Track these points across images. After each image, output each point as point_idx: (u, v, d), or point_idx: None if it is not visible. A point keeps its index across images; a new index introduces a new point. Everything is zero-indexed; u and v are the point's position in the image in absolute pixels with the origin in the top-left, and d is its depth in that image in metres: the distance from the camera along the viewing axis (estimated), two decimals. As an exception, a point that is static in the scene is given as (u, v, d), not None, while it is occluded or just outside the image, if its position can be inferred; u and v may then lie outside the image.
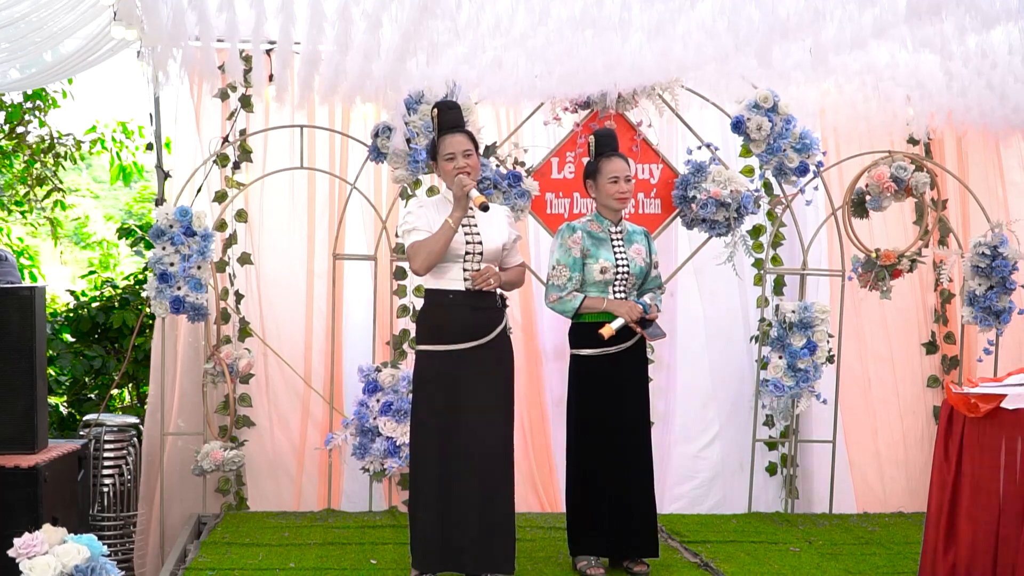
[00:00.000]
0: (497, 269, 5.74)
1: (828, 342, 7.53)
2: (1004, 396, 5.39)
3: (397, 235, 5.70)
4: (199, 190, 7.72)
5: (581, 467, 6.15)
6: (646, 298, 6.03)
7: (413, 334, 6.85)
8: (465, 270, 5.65)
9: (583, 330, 6.09)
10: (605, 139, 6.29)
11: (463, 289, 5.65)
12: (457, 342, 5.63)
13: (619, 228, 6.19)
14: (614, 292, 6.11)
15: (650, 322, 6.07)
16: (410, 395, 6.56)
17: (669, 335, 8.05)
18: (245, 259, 7.88)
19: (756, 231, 8.01)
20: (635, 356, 6.12)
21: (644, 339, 6.12)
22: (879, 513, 8.03)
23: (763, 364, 7.76)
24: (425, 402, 5.67)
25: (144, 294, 7.74)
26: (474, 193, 5.61)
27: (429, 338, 5.67)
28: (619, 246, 6.15)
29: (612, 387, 6.07)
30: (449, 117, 5.75)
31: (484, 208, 5.69)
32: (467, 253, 5.63)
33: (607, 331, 5.96)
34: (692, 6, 5.57)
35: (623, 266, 6.11)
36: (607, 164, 6.14)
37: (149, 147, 8.43)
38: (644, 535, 6.17)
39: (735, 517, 7.81)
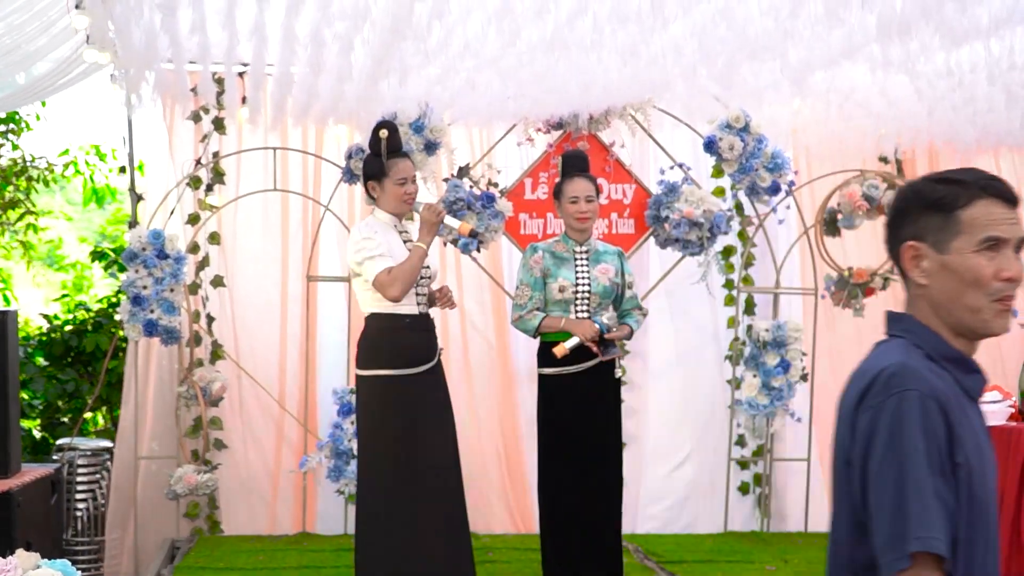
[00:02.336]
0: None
1: (802, 360, 7.55)
2: (977, 414, 5.41)
3: (355, 261, 5.59)
4: (172, 213, 7.71)
5: (549, 486, 6.14)
6: (603, 317, 6.01)
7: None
8: (418, 294, 5.63)
9: (545, 349, 6.10)
10: (571, 160, 6.31)
11: (416, 313, 5.63)
12: (415, 365, 5.61)
13: (585, 248, 6.19)
14: (576, 311, 6.10)
15: (609, 341, 6.03)
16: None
17: (641, 356, 8.09)
18: (218, 281, 7.86)
19: (727, 251, 8.04)
20: (601, 375, 6.09)
21: (614, 358, 6.09)
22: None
23: (737, 383, 7.77)
24: (392, 427, 5.60)
25: (117, 317, 7.72)
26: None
27: (388, 363, 5.61)
28: (582, 266, 6.15)
29: (577, 406, 6.05)
30: (397, 139, 5.73)
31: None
32: (422, 278, 5.61)
33: (560, 350, 5.97)
34: (664, 27, 5.58)
35: (583, 286, 6.11)
36: (569, 185, 6.16)
37: (122, 170, 8.41)
38: (607, 554, 6.14)
39: (711, 537, 7.82)
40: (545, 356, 6.10)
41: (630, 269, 6.33)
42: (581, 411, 6.05)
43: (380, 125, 5.72)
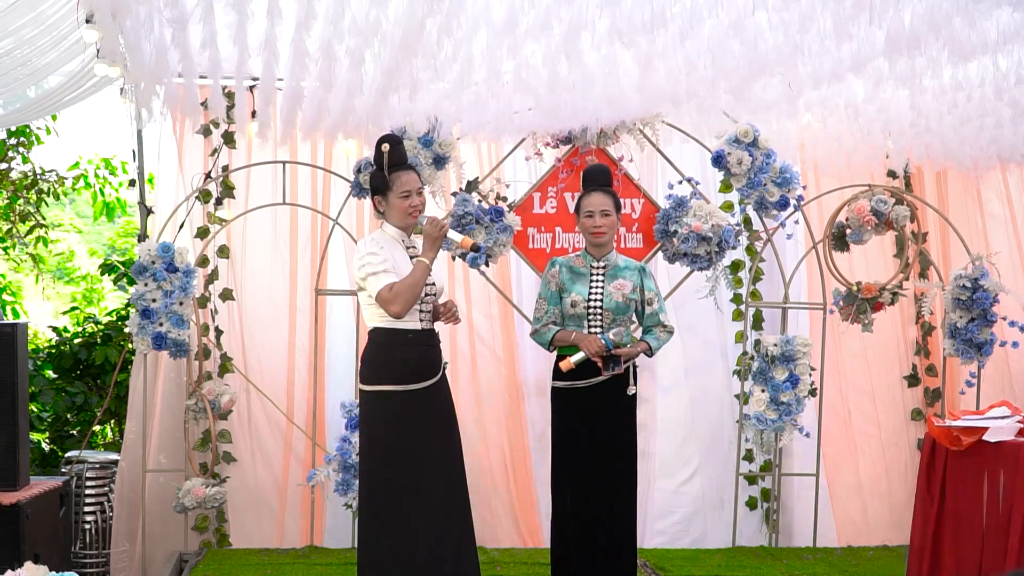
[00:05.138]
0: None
1: (810, 375, 7.54)
2: (986, 429, 5.42)
3: (358, 276, 5.59)
4: (181, 226, 7.72)
5: (558, 499, 6.14)
6: (610, 334, 6.00)
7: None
8: (421, 310, 5.61)
9: (556, 362, 6.12)
10: (590, 174, 6.32)
11: (419, 328, 5.62)
12: (417, 380, 5.58)
13: (602, 263, 6.19)
14: (588, 326, 6.10)
15: (615, 358, 6.01)
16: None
17: (649, 370, 8.09)
18: (227, 295, 7.88)
19: (736, 266, 8.05)
20: (613, 391, 6.07)
21: (627, 373, 6.07)
22: (864, 546, 8.01)
23: (745, 398, 7.77)
24: (393, 442, 5.56)
25: (127, 330, 7.73)
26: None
27: (390, 378, 5.56)
28: (597, 281, 6.15)
29: (586, 420, 6.04)
30: (400, 152, 5.70)
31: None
32: (426, 295, 5.60)
33: (565, 364, 6.00)
34: (673, 42, 5.61)
35: (596, 301, 6.11)
36: (586, 199, 6.18)
37: (132, 183, 8.44)
38: (620, 571, 6.11)
39: (719, 552, 7.80)
40: (555, 369, 6.12)
41: (653, 285, 6.28)
42: (590, 425, 6.05)
43: (383, 139, 5.71)
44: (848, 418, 8.40)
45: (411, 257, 5.59)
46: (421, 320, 5.60)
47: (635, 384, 6.10)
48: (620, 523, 6.12)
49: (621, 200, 7.48)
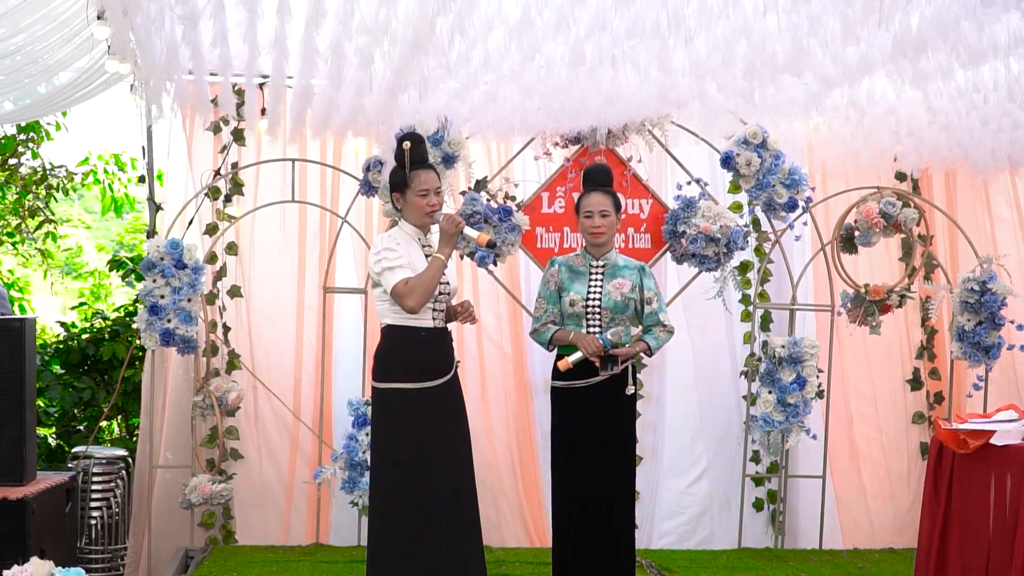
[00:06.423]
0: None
1: (817, 377, 7.53)
2: (993, 432, 5.41)
3: (375, 271, 5.59)
4: (190, 223, 7.73)
5: (558, 498, 6.15)
6: (608, 333, 5.99)
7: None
8: (435, 309, 5.61)
9: (555, 362, 6.12)
10: (590, 174, 6.32)
11: (432, 327, 5.62)
12: (430, 378, 5.58)
13: (602, 262, 6.19)
14: (587, 325, 6.10)
15: (612, 358, 6.01)
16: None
17: (658, 370, 8.08)
18: (235, 292, 7.89)
19: (744, 267, 8.04)
20: (611, 390, 6.06)
21: (626, 372, 6.06)
22: (869, 549, 8.01)
23: (752, 400, 7.76)
24: (405, 439, 5.56)
25: (134, 326, 7.74)
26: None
27: (403, 375, 5.58)
28: (596, 280, 6.15)
29: (584, 419, 6.04)
30: (421, 151, 5.70)
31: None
32: (440, 293, 5.60)
33: (563, 364, 6.01)
34: (683, 43, 5.60)
35: (594, 300, 6.10)
36: (585, 199, 6.18)
37: (141, 179, 8.45)
38: (619, 570, 6.11)
39: (725, 553, 7.80)
40: (556, 369, 6.12)
41: (652, 285, 6.27)
42: (589, 425, 6.04)
43: (404, 137, 5.71)
44: (850, 422, 8.39)
45: (427, 256, 5.60)
46: (434, 319, 5.61)
47: (633, 384, 6.10)
48: (618, 521, 6.11)
49: (629, 200, 7.53)
